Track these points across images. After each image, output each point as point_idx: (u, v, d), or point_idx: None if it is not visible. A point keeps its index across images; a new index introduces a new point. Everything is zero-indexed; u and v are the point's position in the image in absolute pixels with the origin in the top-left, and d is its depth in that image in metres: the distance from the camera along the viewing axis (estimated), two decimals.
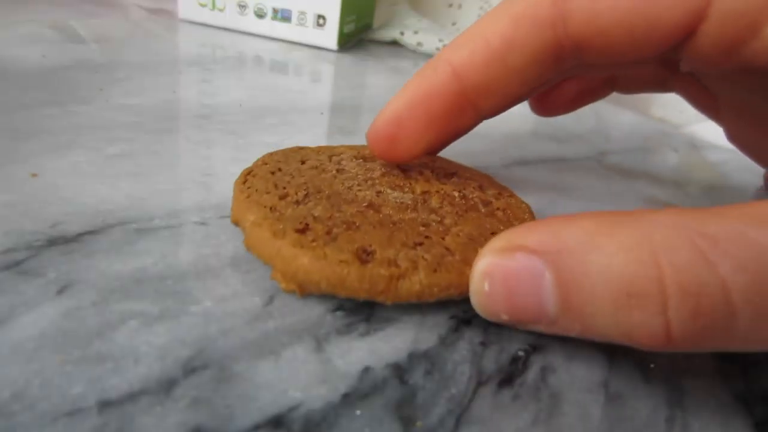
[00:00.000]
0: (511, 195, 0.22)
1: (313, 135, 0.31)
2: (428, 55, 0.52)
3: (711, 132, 0.42)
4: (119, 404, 0.13)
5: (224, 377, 0.15)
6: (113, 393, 0.14)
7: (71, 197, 0.21)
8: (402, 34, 0.53)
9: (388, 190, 0.20)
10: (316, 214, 0.18)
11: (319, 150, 0.23)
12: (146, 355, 0.15)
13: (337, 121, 0.34)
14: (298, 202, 0.19)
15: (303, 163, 0.22)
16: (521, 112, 0.42)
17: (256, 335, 0.16)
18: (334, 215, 0.18)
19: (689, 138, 0.41)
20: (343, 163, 0.22)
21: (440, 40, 0.52)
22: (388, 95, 0.41)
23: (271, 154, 0.22)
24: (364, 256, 0.17)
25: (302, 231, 0.17)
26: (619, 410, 0.16)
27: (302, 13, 0.47)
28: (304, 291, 0.17)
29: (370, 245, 0.17)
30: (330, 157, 0.23)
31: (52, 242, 0.18)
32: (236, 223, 0.19)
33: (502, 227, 0.19)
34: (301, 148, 0.23)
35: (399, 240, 0.18)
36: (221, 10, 0.49)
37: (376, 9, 0.53)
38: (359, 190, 0.20)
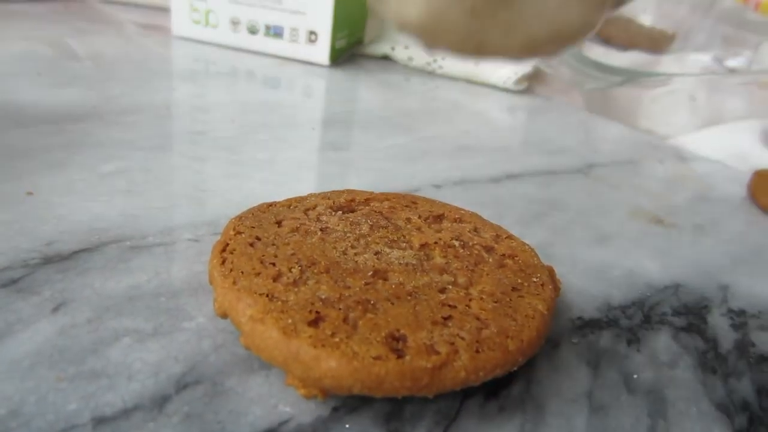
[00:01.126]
0: (509, 237, 0.21)
1: (305, 150, 0.31)
2: (419, 70, 0.53)
3: (697, 143, 0.43)
4: (113, 420, 0.14)
5: (216, 392, 0.15)
6: (107, 409, 0.14)
7: (66, 215, 0.21)
8: (393, 48, 0.54)
9: (386, 249, 0.19)
10: (323, 297, 0.16)
11: (290, 204, 0.21)
12: (140, 371, 0.15)
13: (329, 136, 0.34)
14: (296, 282, 0.16)
15: (279, 224, 0.19)
16: (511, 125, 0.43)
17: (248, 351, 0.16)
18: (343, 294, 0.16)
19: (676, 149, 0.41)
20: (324, 219, 0.20)
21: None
22: (380, 110, 0.42)
23: (239, 219, 0.19)
24: (395, 344, 0.15)
25: (315, 323, 0.15)
26: (603, 420, 0.16)
27: (294, 29, 0.48)
28: (328, 395, 0.15)
29: (398, 329, 0.15)
30: (306, 212, 0.20)
31: (48, 260, 0.19)
32: (224, 316, 0.16)
33: (519, 280, 0.18)
34: (270, 205, 0.21)
35: (426, 317, 0.16)
36: (214, 27, 0.49)
37: (367, 24, 0.54)
38: (356, 254, 0.18)
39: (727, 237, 0.29)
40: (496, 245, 0.20)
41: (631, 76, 0.49)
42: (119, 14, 0.57)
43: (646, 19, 0.61)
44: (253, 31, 0.49)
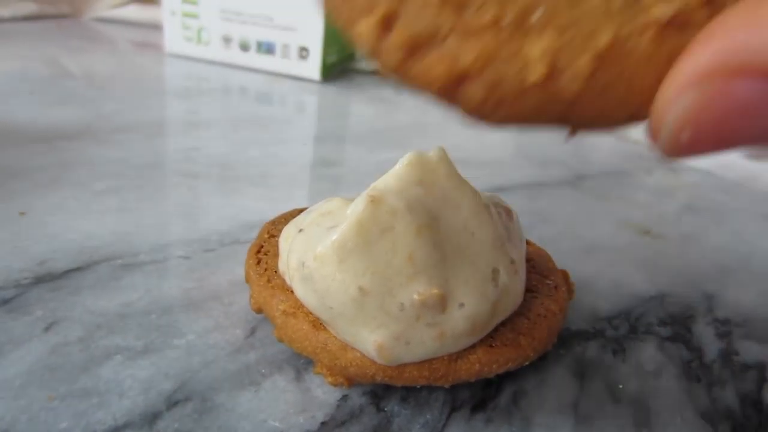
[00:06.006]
0: (527, 242, 0.21)
1: (297, 166, 0.32)
2: None
3: None
4: None
5: (206, 409, 0.15)
6: (98, 427, 0.14)
7: (58, 234, 0.22)
8: None
9: None
10: None
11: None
12: (130, 389, 0.15)
13: (321, 152, 0.35)
14: None
15: None
16: (501, 138, 0.44)
17: (238, 366, 0.17)
18: None
19: (664, 160, 0.42)
20: None
21: None
22: (372, 124, 0.43)
23: (273, 223, 0.21)
24: None
25: None
26: (588, 431, 0.16)
27: (285, 45, 0.48)
28: (353, 383, 0.16)
29: None
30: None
31: (40, 280, 0.19)
32: (259, 311, 0.17)
33: (534, 282, 0.19)
34: (300, 211, 0.21)
35: None
36: (206, 44, 0.50)
37: None
38: None
39: (713, 247, 0.29)
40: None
41: None
42: (112, 32, 0.57)
43: None
44: (244, 47, 0.49)
